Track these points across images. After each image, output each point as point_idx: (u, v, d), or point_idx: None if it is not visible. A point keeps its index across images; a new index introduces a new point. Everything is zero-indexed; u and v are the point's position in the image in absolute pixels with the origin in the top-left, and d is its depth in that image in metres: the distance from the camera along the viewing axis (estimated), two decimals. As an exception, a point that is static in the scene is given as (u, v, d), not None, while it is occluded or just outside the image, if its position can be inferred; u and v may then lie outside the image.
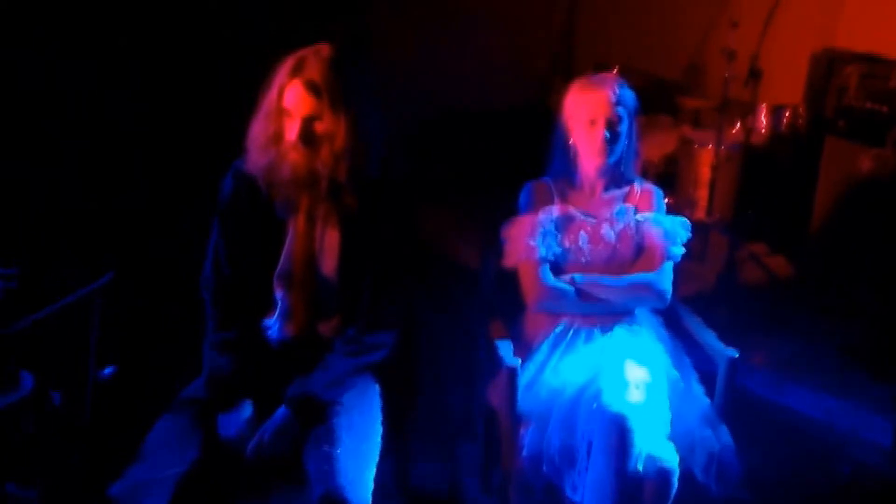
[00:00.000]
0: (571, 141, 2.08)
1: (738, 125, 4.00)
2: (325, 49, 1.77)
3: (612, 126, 2.00)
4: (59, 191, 2.89)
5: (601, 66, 4.28)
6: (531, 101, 4.27)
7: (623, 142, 2.05)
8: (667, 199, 4.04)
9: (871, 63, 4.00)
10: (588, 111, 2.01)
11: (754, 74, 3.23)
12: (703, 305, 3.39)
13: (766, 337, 3.24)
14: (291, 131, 1.76)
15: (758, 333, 3.26)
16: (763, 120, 4.03)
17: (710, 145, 3.81)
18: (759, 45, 3.24)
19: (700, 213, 3.91)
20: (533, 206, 2.10)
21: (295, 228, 1.86)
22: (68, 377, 2.03)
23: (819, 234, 3.56)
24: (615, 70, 4.28)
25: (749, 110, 3.93)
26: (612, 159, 2.05)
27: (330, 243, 1.86)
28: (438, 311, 3.26)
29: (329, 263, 1.86)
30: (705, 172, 3.88)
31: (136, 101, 3.08)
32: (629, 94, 2.04)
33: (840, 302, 3.32)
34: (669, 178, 4.09)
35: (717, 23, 4.51)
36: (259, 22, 3.55)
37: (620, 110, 2.01)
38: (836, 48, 4.34)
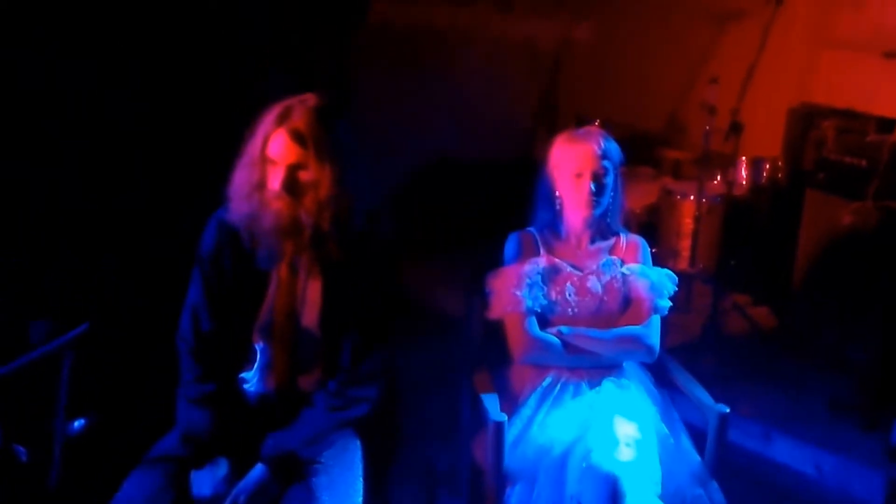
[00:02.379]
0: (557, 193, 2.08)
1: (719, 177, 4.04)
2: (310, 99, 1.76)
3: (597, 179, 2.00)
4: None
5: (583, 119, 4.34)
6: (516, 153, 4.30)
7: (609, 194, 2.05)
8: (650, 249, 4.11)
9: (848, 118, 4.09)
10: (574, 164, 2.01)
11: (735, 128, 3.27)
12: (688, 356, 3.42)
13: (752, 389, 3.21)
14: (275, 180, 1.74)
15: (744, 385, 3.24)
16: (743, 172, 4.08)
17: (692, 197, 3.85)
18: (740, 99, 3.29)
19: (683, 264, 3.92)
20: (518, 257, 2.08)
21: (277, 279, 1.83)
22: (36, 432, 1.94)
23: (802, 287, 3.57)
24: (597, 122, 4.35)
25: (729, 162, 3.98)
26: (598, 211, 2.05)
27: (312, 294, 1.82)
28: (424, 363, 3.21)
29: (311, 315, 1.82)
30: (687, 223, 3.91)
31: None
32: (614, 148, 2.05)
33: (826, 354, 3.31)
34: (652, 229, 4.11)
35: (697, 78, 4.62)
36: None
37: (606, 163, 2.01)
38: (813, 103, 4.44)
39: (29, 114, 2.78)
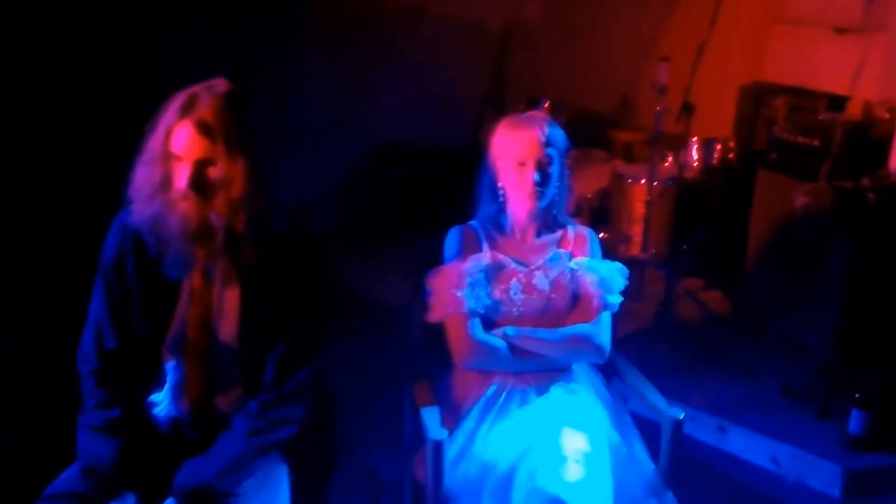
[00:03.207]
0: (500, 183, 1.92)
1: (671, 159, 3.95)
2: (219, 85, 1.57)
3: (542, 168, 1.86)
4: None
5: (533, 100, 4.20)
6: (463, 137, 4.14)
7: (554, 184, 1.90)
8: (602, 234, 4.00)
9: (799, 95, 4.04)
10: (517, 152, 1.86)
11: (687, 109, 3.16)
12: (641, 345, 3.33)
13: (706, 377, 3.14)
14: (181, 178, 1.55)
15: (697, 374, 3.16)
16: (695, 153, 3.99)
17: (643, 180, 3.75)
18: (691, 79, 3.18)
19: (635, 250, 3.82)
20: (460, 254, 1.92)
21: (189, 288, 1.64)
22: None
23: (754, 270, 3.50)
24: (546, 104, 4.20)
25: (681, 143, 3.90)
26: (544, 203, 1.90)
27: (229, 304, 1.64)
28: (371, 359, 3.06)
29: (228, 327, 1.64)
30: (639, 208, 3.81)
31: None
32: (559, 134, 1.90)
33: (780, 339, 3.25)
34: (604, 213, 4.01)
35: (648, 57, 4.51)
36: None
37: (551, 151, 1.86)
38: (765, 81, 4.37)
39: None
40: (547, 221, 1.97)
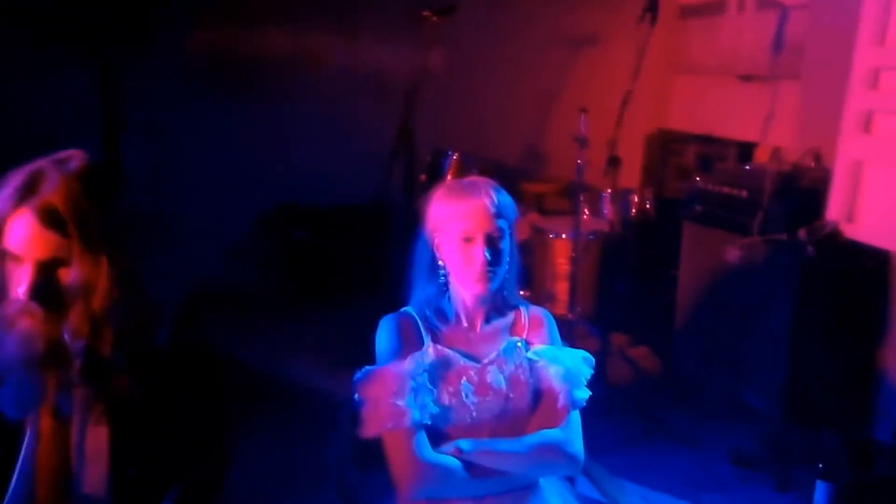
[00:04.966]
0: (441, 262, 1.59)
1: (587, 211, 3.78)
2: (74, 158, 1.16)
3: (492, 243, 1.54)
4: None
5: (440, 153, 3.95)
6: (369, 194, 3.82)
7: (505, 261, 1.58)
8: (523, 293, 3.76)
9: (707, 143, 3.99)
10: (462, 226, 1.53)
11: (613, 162, 2.98)
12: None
13: (650, 450, 2.89)
14: (20, 285, 1.12)
15: (640, 446, 2.91)
16: (610, 205, 3.84)
17: (564, 235, 3.54)
18: (617, 131, 3.01)
19: (561, 309, 3.59)
20: (398, 351, 1.56)
21: (34, 431, 1.19)
22: None
23: (686, 327, 3.33)
24: (455, 156, 3.96)
25: (597, 196, 3.75)
26: (496, 284, 1.58)
27: (94, 448, 1.21)
28: (277, 473, 2.62)
29: (94, 476, 1.21)
30: (562, 264, 3.60)
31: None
32: (508, 202, 1.61)
33: (721, 400, 3.06)
34: (525, 270, 3.77)
35: (554, 107, 4.38)
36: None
37: (501, 223, 1.56)
38: (671, 129, 4.33)
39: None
40: (497, 304, 1.65)
